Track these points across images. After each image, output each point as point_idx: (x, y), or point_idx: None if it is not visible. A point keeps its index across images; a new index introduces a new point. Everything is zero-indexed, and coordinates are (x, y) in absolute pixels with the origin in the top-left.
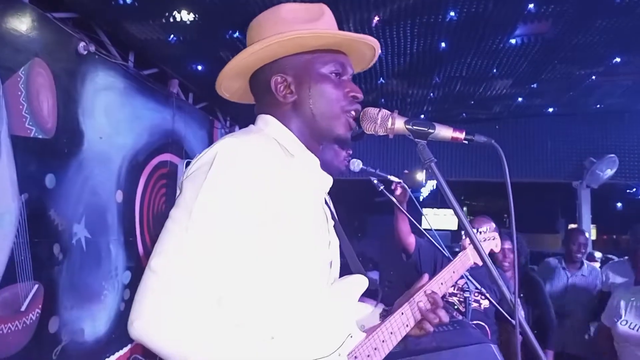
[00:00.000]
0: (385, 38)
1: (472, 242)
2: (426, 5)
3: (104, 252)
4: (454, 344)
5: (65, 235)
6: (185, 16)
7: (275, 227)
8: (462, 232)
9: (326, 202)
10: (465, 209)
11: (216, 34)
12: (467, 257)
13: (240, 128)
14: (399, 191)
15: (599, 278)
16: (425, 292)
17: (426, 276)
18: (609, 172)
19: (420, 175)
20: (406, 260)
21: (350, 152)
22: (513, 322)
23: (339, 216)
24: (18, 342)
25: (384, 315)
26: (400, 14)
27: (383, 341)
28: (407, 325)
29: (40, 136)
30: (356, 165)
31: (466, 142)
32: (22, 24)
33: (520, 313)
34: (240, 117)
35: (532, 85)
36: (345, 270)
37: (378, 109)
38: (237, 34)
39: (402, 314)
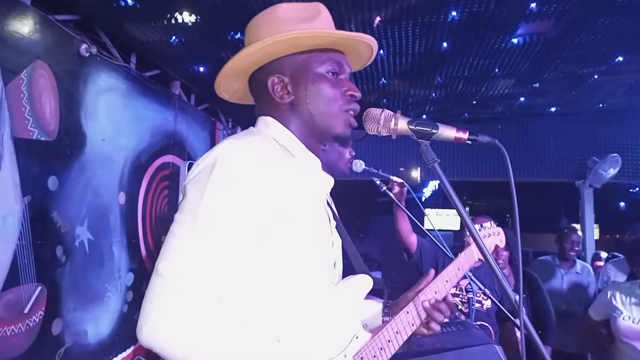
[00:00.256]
0: (387, 38)
1: (473, 239)
2: (428, 5)
3: (106, 254)
4: (458, 345)
5: (68, 237)
6: (187, 17)
7: (278, 228)
8: (467, 232)
9: (328, 203)
10: (467, 209)
11: (217, 35)
12: (472, 254)
13: (242, 129)
14: (396, 189)
15: (592, 275)
16: (431, 290)
17: (432, 273)
18: (612, 172)
19: (415, 173)
20: (408, 260)
21: (354, 153)
22: (515, 320)
23: (341, 216)
24: (21, 344)
25: (387, 306)
26: (402, 14)
27: (389, 341)
28: (412, 325)
29: (42, 138)
30: (359, 166)
31: (469, 142)
32: (24, 26)
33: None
34: (242, 118)
35: (535, 85)
36: (349, 271)
37: (381, 110)
38: (238, 35)
39: (408, 312)
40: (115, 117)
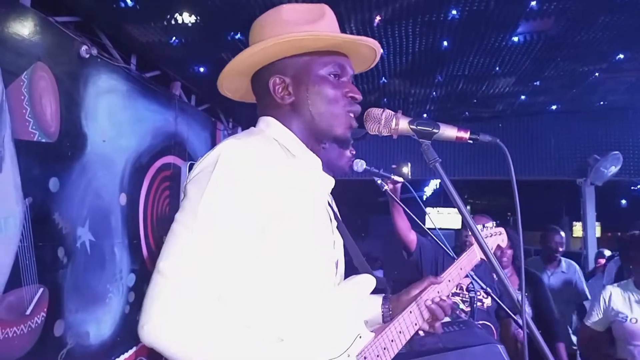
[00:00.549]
0: (387, 37)
1: (475, 238)
2: (428, 4)
3: (108, 255)
4: (460, 345)
5: (69, 238)
6: (187, 18)
7: (278, 228)
8: (468, 230)
9: (329, 203)
10: (468, 207)
11: (218, 36)
12: (474, 254)
13: (243, 129)
14: (389, 186)
15: (578, 272)
16: (434, 292)
17: (431, 277)
18: (613, 169)
19: (406, 169)
20: (407, 259)
21: (354, 152)
22: (515, 318)
23: (343, 216)
24: (23, 346)
25: (386, 299)
26: (402, 13)
27: (392, 341)
28: (415, 324)
29: (43, 140)
30: (359, 165)
31: (471, 141)
32: (24, 28)
33: (527, 311)
34: (243, 118)
35: (535, 83)
36: (351, 270)
37: (381, 110)
38: (238, 35)
39: (411, 312)
40: (116, 118)
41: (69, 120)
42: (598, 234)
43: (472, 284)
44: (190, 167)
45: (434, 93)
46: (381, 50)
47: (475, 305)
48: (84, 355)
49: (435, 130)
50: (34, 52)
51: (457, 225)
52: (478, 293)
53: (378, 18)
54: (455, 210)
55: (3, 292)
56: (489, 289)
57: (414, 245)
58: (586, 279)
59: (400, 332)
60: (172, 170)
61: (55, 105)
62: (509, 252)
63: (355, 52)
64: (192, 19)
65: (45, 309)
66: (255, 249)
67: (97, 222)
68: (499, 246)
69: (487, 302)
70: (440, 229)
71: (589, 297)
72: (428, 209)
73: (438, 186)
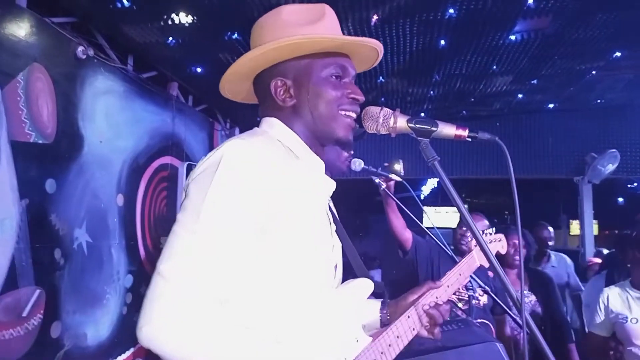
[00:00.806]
0: (384, 37)
1: (478, 243)
2: (425, 2)
3: (105, 256)
4: (459, 344)
5: (66, 239)
6: (184, 18)
7: (280, 229)
8: (463, 228)
9: (329, 206)
10: (466, 206)
11: (215, 36)
12: (474, 260)
13: (240, 130)
14: (382, 185)
15: (568, 265)
16: (429, 304)
17: (429, 282)
18: (611, 167)
19: (398, 166)
20: (403, 257)
21: (352, 152)
22: (513, 315)
23: (341, 216)
24: (20, 348)
25: (385, 304)
26: (399, 12)
27: (389, 345)
28: (413, 329)
29: (40, 141)
30: (357, 164)
31: (470, 139)
32: (20, 29)
33: (527, 312)
34: (241, 118)
35: (533, 82)
36: (349, 274)
37: (380, 108)
38: (235, 35)
39: (409, 317)
40: (113, 119)
41: (66, 122)
42: (595, 232)
43: (470, 283)
44: (188, 168)
45: (432, 92)
46: (382, 50)
47: (473, 304)
48: (81, 357)
49: (433, 128)
50: (30, 53)
51: (455, 224)
52: (475, 291)
53: (375, 17)
54: (453, 209)
55: (0, 293)
56: (487, 288)
57: (409, 244)
58: (580, 278)
59: (398, 337)
60: (170, 171)
61: (52, 106)
62: (523, 251)
63: (357, 53)
64: (189, 19)
65: (42, 311)
66: (256, 251)
67: (94, 223)
68: (513, 244)
69: (483, 299)
70: (438, 228)
71: (582, 288)
72: (425, 208)
73: (436, 185)
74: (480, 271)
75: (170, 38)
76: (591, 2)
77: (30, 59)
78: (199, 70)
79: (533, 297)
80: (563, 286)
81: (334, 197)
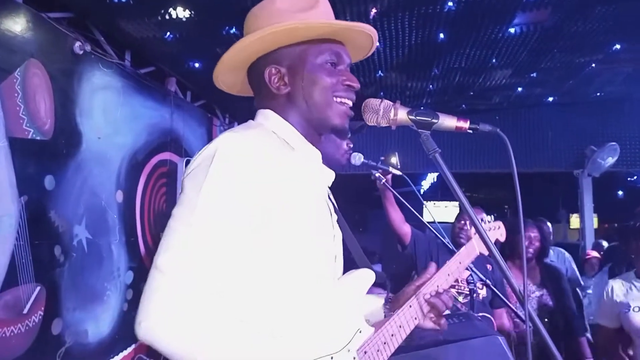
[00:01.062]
0: (383, 30)
1: (477, 231)
2: None
3: (105, 253)
4: (461, 337)
5: (66, 236)
6: (181, 13)
7: (278, 222)
8: (462, 221)
9: (329, 197)
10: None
11: (212, 31)
12: (473, 247)
13: (239, 125)
14: (384, 179)
15: (568, 259)
16: (429, 293)
17: (433, 266)
18: (610, 161)
19: (395, 159)
20: (402, 251)
21: (352, 145)
22: (514, 308)
23: (340, 210)
24: (21, 345)
25: (389, 301)
26: (398, 6)
27: (392, 335)
28: (415, 318)
29: (38, 137)
30: (357, 159)
31: (471, 131)
32: (16, 24)
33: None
34: (239, 114)
35: (532, 75)
36: (350, 265)
37: (380, 100)
38: (233, 29)
39: (410, 306)
40: (111, 115)
41: (64, 118)
42: (595, 225)
43: (472, 276)
44: (187, 164)
45: (431, 86)
46: (377, 37)
47: (475, 298)
48: (82, 354)
49: (434, 120)
50: (26, 48)
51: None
52: (476, 284)
53: (374, 10)
54: (453, 203)
55: (0, 291)
56: (488, 281)
57: (408, 237)
58: (579, 272)
59: (400, 327)
60: (169, 166)
61: (50, 102)
62: (537, 244)
63: (352, 40)
64: (187, 13)
65: (42, 308)
66: (254, 243)
67: (93, 220)
68: (529, 237)
69: (483, 292)
70: (439, 222)
71: (582, 283)
72: (425, 203)
73: (435, 179)
74: (479, 264)
75: (168, 33)
76: None
77: (27, 55)
78: (197, 65)
79: (543, 291)
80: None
81: (333, 191)
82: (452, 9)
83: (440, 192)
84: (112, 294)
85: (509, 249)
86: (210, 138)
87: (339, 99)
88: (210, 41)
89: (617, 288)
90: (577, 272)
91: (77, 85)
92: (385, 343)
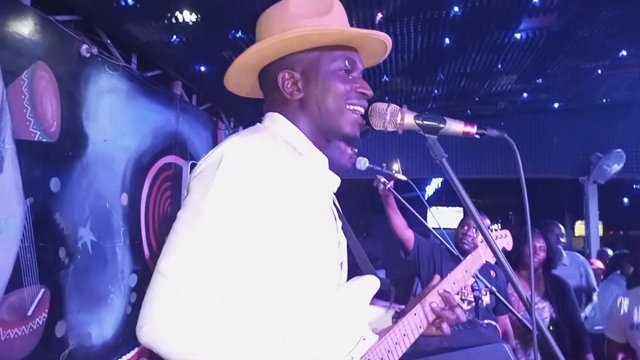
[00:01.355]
0: (388, 35)
1: (486, 240)
2: (429, 0)
3: (109, 256)
4: (466, 344)
5: (70, 239)
6: (188, 17)
7: (283, 227)
8: (465, 227)
9: (333, 202)
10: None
11: (219, 35)
12: (479, 255)
13: (244, 129)
14: (381, 186)
15: (584, 265)
16: (437, 291)
17: (437, 278)
18: (616, 167)
19: (396, 165)
20: (405, 257)
21: (357, 150)
22: (519, 316)
23: (345, 215)
24: (25, 347)
25: (397, 317)
26: (404, 11)
27: (396, 343)
28: (420, 327)
29: (44, 140)
30: (362, 163)
31: (478, 136)
32: (24, 27)
33: (539, 314)
34: (245, 117)
35: (538, 80)
36: (355, 271)
37: (387, 104)
38: (239, 33)
39: (415, 314)
40: (117, 118)
41: (70, 120)
42: (600, 232)
43: (477, 283)
44: (192, 167)
45: (436, 91)
46: (391, 44)
47: (481, 305)
48: (86, 356)
49: (441, 125)
50: (34, 51)
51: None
52: (481, 292)
53: (380, 15)
54: (457, 209)
55: (4, 293)
56: (493, 288)
57: (411, 243)
58: None
59: (404, 335)
60: (174, 170)
61: (56, 104)
62: (542, 255)
63: (365, 47)
64: (193, 17)
65: (46, 310)
66: (259, 248)
67: (98, 223)
68: (535, 246)
69: (486, 299)
70: (444, 228)
71: (596, 288)
72: (430, 208)
73: (440, 185)
74: (483, 271)
75: (174, 36)
76: (596, 0)
77: (34, 57)
78: (202, 69)
79: (546, 303)
80: (575, 287)
81: (337, 196)
82: (458, 14)
83: (444, 197)
84: (116, 297)
85: (515, 258)
86: (215, 141)
87: (351, 107)
88: (216, 45)
89: (626, 304)
90: (592, 276)
91: (84, 87)
92: (389, 351)
